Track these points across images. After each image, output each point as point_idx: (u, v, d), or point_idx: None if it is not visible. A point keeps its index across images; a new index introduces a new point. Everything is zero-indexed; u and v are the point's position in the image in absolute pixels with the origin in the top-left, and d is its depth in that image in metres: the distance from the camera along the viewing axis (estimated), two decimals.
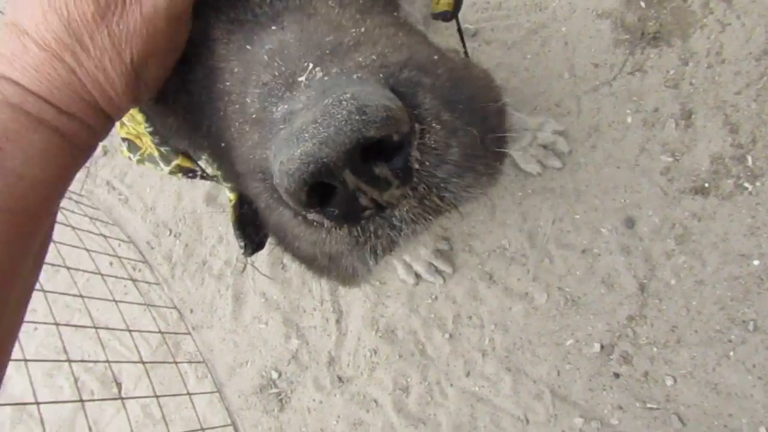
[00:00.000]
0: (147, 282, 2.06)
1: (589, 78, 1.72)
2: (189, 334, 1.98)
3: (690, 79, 1.65)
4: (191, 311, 2.00)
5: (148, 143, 0.98)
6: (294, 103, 0.42)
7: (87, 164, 2.26)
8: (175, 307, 2.02)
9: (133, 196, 2.21)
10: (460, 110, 0.45)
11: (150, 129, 0.76)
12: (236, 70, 0.49)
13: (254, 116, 0.46)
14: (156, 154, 0.98)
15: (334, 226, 0.46)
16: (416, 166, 0.44)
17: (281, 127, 0.42)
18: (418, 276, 1.78)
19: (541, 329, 1.64)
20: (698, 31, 1.67)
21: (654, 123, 1.65)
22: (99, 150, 2.31)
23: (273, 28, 0.48)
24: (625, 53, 1.72)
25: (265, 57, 0.46)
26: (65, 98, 0.44)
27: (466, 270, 1.75)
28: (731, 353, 1.47)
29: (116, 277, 2.04)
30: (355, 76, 0.42)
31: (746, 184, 1.53)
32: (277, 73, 0.45)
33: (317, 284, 1.89)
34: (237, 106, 0.48)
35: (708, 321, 1.50)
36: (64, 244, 1.94)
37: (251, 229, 0.87)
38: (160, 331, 1.94)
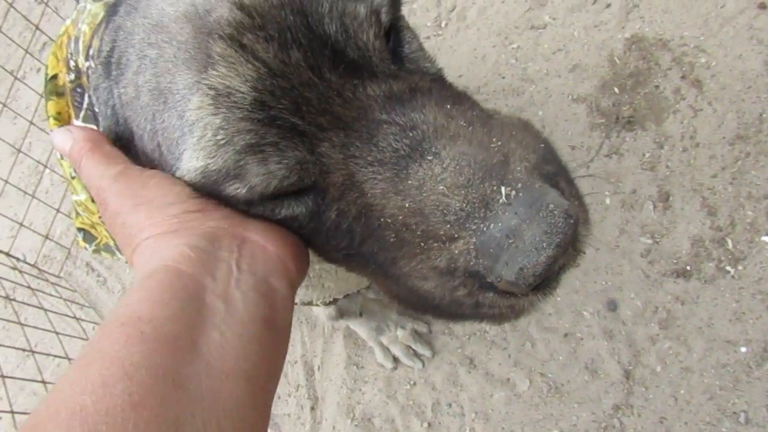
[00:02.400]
0: None
1: (566, 160, 1.73)
2: None
3: (666, 161, 1.66)
4: None
5: (103, 233, 0.97)
6: (508, 219, 0.50)
7: (68, 246, 2.25)
8: None
9: (111, 277, 2.17)
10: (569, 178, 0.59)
11: None
12: (407, 205, 0.54)
13: (448, 235, 0.53)
14: (112, 243, 0.97)
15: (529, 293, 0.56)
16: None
17: (511, 241, 0.50)
18: (396, 360, 1.71)
19: (524, 418, 1.55)
20: (671, 115, 1.70)
21: (632, 204, 1.64)
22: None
23: (429, 158, 0.53)
24: (601, 136, 1.74)
25: (442, 187, 0.52)
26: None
27: (446, 353, 1.68)
28: None
29: None
30: (536, 185, 0.51)
31: (728, 268, 1.50)
32: (468, 199, 0.51)
33: (293, 369, 1.81)
34: (419, 232, 0.54)
35: (697, 412, 1.42)
36: (37, 327, 1.89)
37: None
38: None
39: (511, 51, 1.92)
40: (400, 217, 0.55)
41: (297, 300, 1.18)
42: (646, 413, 1.46)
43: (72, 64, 0.81)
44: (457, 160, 0.52)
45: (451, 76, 0.68)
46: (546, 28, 1.92)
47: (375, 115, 0.55)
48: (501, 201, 0.51)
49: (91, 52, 0.73)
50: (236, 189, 0.56)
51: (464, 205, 0.51)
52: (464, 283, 0.55)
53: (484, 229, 0.51)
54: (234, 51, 0.52)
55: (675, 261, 1.55)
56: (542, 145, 0.59)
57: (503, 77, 1.90)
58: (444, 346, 1.69)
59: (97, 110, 0.68)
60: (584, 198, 0.61)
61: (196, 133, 0.54)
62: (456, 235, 0.52)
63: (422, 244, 0.54)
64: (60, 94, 0.88)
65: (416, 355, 1.69)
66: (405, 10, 0.68)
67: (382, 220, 0.56)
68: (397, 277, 0.60)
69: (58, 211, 2.13)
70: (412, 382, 1.69)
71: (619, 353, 1.52)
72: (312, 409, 1.76)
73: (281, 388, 1.80)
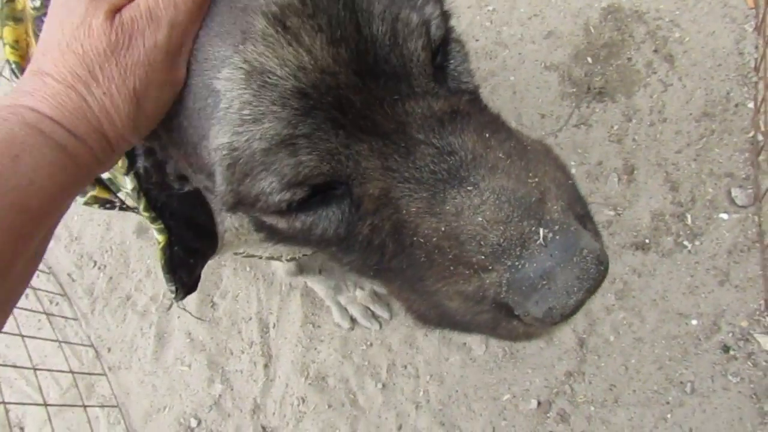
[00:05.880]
0: (63, 317, 1.91)
1: (536, 128, 1.72)
2: (104, 375, 1.82)
3: (633, 135, 1.66)
4: (109, 350, 1.85)
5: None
6: (543, 261, 0.51)
7: None
8: (91, 345, 1.86)
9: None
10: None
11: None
12: (442, 228, 0.55)
13: (481, 265, 0.54)
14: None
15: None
16: None
17: (544, 282, 0.51)
18: (353, 320, 1.69)
19: (478, 382, 1.57)
20: (642, 89, 1.69)
21: (597, 176, 1.64)
22: None
23: (468, 188, 0.54)
24: (571, 106, 1.73)
25: (481, 219, 0.53)
26: (74, 121, 0.52)
27: (404, 316, 1.67)
28: (668, 415, 1.43)
29: (29, 310, 1.88)
30: (572, 228, 0.53)
31: (686, 242, 1.52)
32: (506, 235, 0.52)
33: (247, 325, 1.78)
34: (451, 256, 0.55)
35: (646, 381, 1.45)
36: None
37: (183, 271, 0.82)
38: (71, 371, 1.78)
39: (486, 13, 1.88)
40: (434, 239, 0.56)
41: (262, 254, 1.15)
42: (597, 380, 1.49)
43: None
44: (497, 194, 0.54)
45: None
46: None
47: (413, 133, 0.54)
48: (538, 242, 0.52)
49: None
50: (270, 183, 0.54)
51: (502, 240, 0.53)
52: (489, 310, 0.57)
53: (519, 266, 0.52)
54: (275, 31, 0.50)
55: (635, 234, 1.57)
56: (570, 182, 0.61)
57: (477, 40, 1.86)
58: (402, 309, 1.68)
59: None
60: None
61: (222, 105, 0.52)
62: (489, 267, 0.54)
63: (452, 267, 0.56)
64: (18, 20, 0.81)
65: (374, 316, 1.68)
66: None
67: (414, 238, 0.57)
68: (421, 293, 0.62)
69: None
70: (368, 343, 1.67)
71: (575, 322, 1.54)
72: (265, 366, 1.73)
73: (234, 344, 1.77)
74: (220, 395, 1.73)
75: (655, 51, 1.72)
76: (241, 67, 0.50)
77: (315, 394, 1.66)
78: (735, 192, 1.51)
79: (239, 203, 0.58)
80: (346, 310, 1.69)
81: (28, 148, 0.49)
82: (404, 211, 0.56)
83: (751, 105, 1.59)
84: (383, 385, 1.62)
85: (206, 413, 1.72)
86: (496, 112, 0.63)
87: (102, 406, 1.78)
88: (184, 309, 1.79)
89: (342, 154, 0.54)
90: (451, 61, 0.61)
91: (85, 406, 1.72)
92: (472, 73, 0.64)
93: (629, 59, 1.74)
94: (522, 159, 0.57)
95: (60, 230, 2.04)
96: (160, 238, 0.79)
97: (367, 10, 0.51)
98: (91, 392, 1.82)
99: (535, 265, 0.52)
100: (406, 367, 1.63)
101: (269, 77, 0.50)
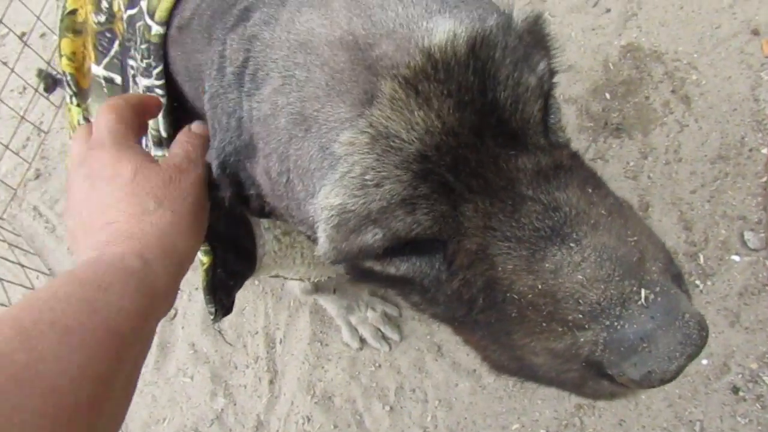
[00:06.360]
0: None
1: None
2: None
3: (648, 172, 1.69)
4: None
5: None
6: (644, 323, 0.51)
7: (14, 187, 2.09)
8: None
9: (61, 224, 2.03)
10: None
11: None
12: (539, 286, 0.54)
13: (577, 323, 0.53)
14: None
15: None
16: None
17: (645, 345, 0.51)
18: (363, 341, 1.69)
19: (487, 410, 1.57)
20: (658, 128, 1.73)
21: None
22: (31, 172, 2.13)
23: (570, 244, 0.53)
24: (588, 140, 1.75)
25: (581, 276, 0.52)
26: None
27: (414, 339, 1.67)
28: None
29: None
30: (672, 291, 0.52)
31: (698, 282, 1.55)
32: (606, 295, 0.52)
33: (253, 340, 1.76)
34: (545, 313, 0.54)
35: (656, 417, 1.47)
36: None
37: (223, 293, 0.82)
38: None
39: None
40: (529, 296, 0.55)
41: (293, 277, 1.15)
42: (607, 415, 1.50)
43: (105, 5, 0.73)
44: (598, 252, 0.53)
45: None
46: None
47: (521, 190, 0.54)
48: (639, 302, 0.52)
49: (153, 13, 0.66)
50: (374, 236, 0.54)
51: (601, 299, 0.52)
52: (578, 369, 0.56)
53: (618, 326, 0.52)
54: (406, 95, 0.50)
55: None
56: (663, 242, 0.61)
57: None
58: (413, 332, 1.68)
59: (209, 115, 0.63)
60: None
61: (340, 169, 0.51)
62: (586, 325, 0.53)
63: (544, 324, 0.55)
64: (77, 32, 0.80)
65: (384, 337, 1.67)
66: None
67: (508, 295, 0.56)
68: (504, 346, 0.61)
69: (7, 147, 1.97)
70: (377, 365, 1.67)
71: None
72: (270, 382, 1.71)
73: (239, 359, 1.74)
74: (222, 410, 1.70)
75: (673, 91, 1.76)
76: (365, 131, 0.50)
77: (321, 414, 1.64)
78: (747, 235, 1.55)
79: (343, 260, 0.58)
80: (356, 330, 1.68)
81: (113, 280, 0.53)
82: (500, 268, 0.56)
83: (764, 151, 1.63)
84: (390, 408, 1.62)
85: (207, 427, 1.69)
86: (592, 166, 0.64)
87: None
88: (220, 332, 1.76)
89: (450, 217, 0.54)
90: (552, 116, 0.61)
91: None
92: (564, 128, 0.65)
93: (647, 98, 1.77)
94: (621, 216, 0.57)
95: (63, 230, 2.00)
96: (205, 259, 0.79)
97: (494, 76, 0.52)
98: None
99: (635, 326, 0.51)
100: (414, 390, 1.62)
101: (394, 141, 0.50)
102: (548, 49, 0.61)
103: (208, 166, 0.64)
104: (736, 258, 1.55)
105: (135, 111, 0.66)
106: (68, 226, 0.64)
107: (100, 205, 0.59)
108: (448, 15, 0.53)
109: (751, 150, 1.64)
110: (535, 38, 0.58)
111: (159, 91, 0.70)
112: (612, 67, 1.83)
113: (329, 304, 1.68)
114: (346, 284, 1.64)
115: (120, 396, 0.52)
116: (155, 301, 0.56)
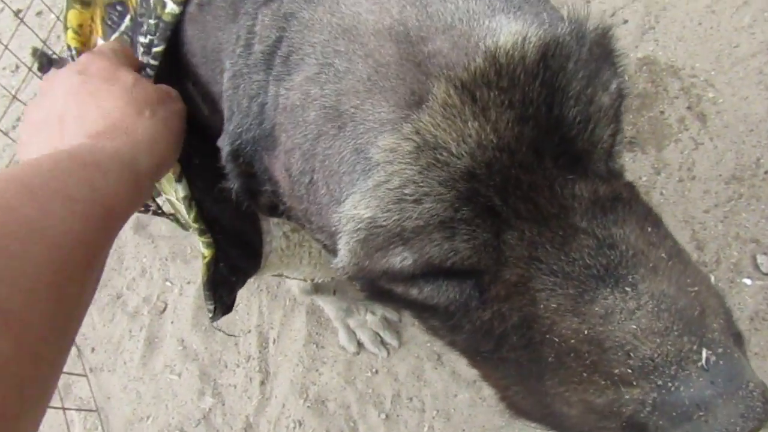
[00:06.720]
0: None
1: None
2: (85, 376, 1.70)
3: (661, 188, 1.66)
4: (93, 350, 1.74)
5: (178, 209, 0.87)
6: (703, 388, 0.45)
7: (3, 168, 2.00)
8: (73, 342, 1.74)
9: None
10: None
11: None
12: (585, 331, 0.48)
13: (624, 378, 0.47)
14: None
15: None
16: None
17: (701, 413, 0.45)
18: (360, 345, 1.63)
19: (486, 422, 1.52)
20: (672, 144, 1.70)
21: None
22: None
23: (625, 288, 0.47)
24: None
25: (634, 326, 0.46)
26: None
27: (413, 346, 1.62)
28: None
29: None
30: (736, 355, 0.46)
31: None
32: (662, 350, 0.46)
33: (245, 338, 1.69)
34: (588, 362, 0.48)
35: None
36: None
37: (224, 290, 0.77)
38: None
39: None
40: (572, 341, 0.49)
41: (296, 277, 1.10)
42: None
43: None
44: (657, 301, 0.47)
45: None
46: None
47: (575, 220, 0.48)
48: (699, 363, 0.46)
49: None
50: (403, 260, 0.48)
51: (656, 354, 0.46)
52: (617, 428, 0.50)
53: (671, 388, 0.46)
54: (461, 101, 0.44)
55: None
56: (722, 295, 0.55)
57: None
58: (412, 338, 1.63)
59: (227, 95, 0.57)
60: None
61: (376, 177, 0.45)
62: (634, 382, 0.47)
63: (585, 374, 0.49)
64: (86, 3, 0.74)
65: (382, 343, 1.62)
66: None
67: (546, 336, 0.50)
68: (532, 390, 0.54)
69: None
70: (374, 370, 1.61)
71: None
72: (261, 383, 1.65)
73: (229, 357, 1.68)
74: (209, 409, 1.64)
75: (689, 108, 1.73)
76: (410, 139, 0.44)
77: (313, 418, 1.58)
78: (760, 259, 1.52)
79: (362, 278, 0.53)
80: (354, 333, 1.62)
81: (111, 167, 0.56)
82: (541, 305, 0.49)
83: None
84: (386, 416, 1.56)
85: (193, 427, 1.62)
86: (649, 201, 0.57)
87: (79, 410, 1.66)
88: (220, 329, 1.69)
89: (492, 246, 0.48)
90: (618, 144, 0.55)
91: (64, 409, 1.60)
92: (620, 154, 0.59)
93: (662, 112, 1.74)
94: (681, 262, 0.51)
95: None
96: (207, 252, 0.73)
97: (564, 90, 0.45)
98: (68, 393, 1.70)
99: (692, 390, 0.45)
100: (411, 399, 1.57)
101: (441, 154, 0.44)
102: (616, 66, 0.54)
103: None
104: (748, 281, 1.52)
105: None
106: (44, 108, 0.64)
107: (95, 98, 0.61)
108: (512, 15, 0.47)
109: (766, 172, 1.62)
110: (603, 52, 0.51)
111: (149, 71, 0.66)
112: (627, 80, 1.80)
113: (328, 306, 1.62)
114: (347, 286, 1.59)
115: (95, 279, 0.53)
116: (142, 194, 0.60)
